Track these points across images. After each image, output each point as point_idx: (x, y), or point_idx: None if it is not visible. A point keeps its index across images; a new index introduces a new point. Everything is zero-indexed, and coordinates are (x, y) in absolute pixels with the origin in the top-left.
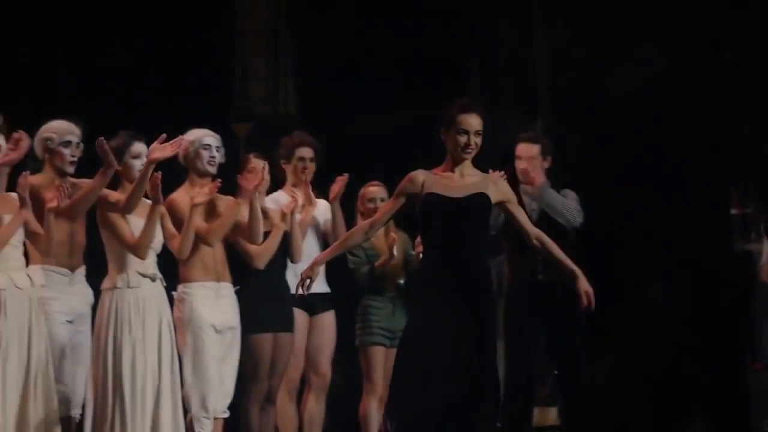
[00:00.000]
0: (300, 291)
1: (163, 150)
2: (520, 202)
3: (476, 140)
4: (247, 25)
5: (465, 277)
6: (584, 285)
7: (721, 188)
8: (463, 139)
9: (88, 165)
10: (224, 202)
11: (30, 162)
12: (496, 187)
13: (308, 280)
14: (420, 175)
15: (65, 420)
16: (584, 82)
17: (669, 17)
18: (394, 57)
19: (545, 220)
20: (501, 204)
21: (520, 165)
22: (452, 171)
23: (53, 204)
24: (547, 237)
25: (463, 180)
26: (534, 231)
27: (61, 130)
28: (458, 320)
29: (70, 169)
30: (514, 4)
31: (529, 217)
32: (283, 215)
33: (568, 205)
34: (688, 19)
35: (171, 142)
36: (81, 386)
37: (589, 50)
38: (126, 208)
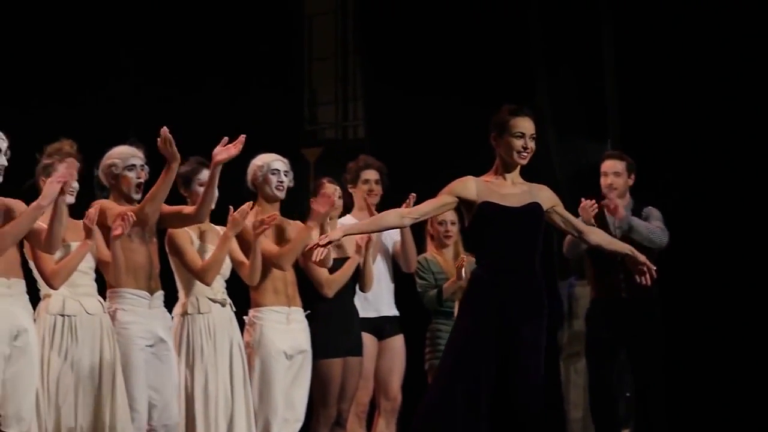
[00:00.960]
0: (316, 257)
1: (227, 151)
2: (603, 221)
3: (531, 144)
4: (315, 50)
5: (521, 290)
6: (642, 258)
7: None
8: (519, 142)
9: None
10: (293, 226)
11: (98, 191)
12: (544, 194)
13: (325, 250)
14: (472, 182)
15: None
16: (654, 104)
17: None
18: (462, 80)
19: (628, 240)
20: (550, 210)
21: (605, 181)
22: (503, 178)
23: (118, 232)
24: (599, 229)
25: (515, 188)
26: (586, 227)
27: (125, 155)
28: (511, 334)
29: (137, 194)
30: (583, 28)
31: (614, 236)
32: (358, 247)
33: (653, 229)
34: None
35: (233, 143)
36: (175, 412)
37: (658, 72)
38: (198, 217)
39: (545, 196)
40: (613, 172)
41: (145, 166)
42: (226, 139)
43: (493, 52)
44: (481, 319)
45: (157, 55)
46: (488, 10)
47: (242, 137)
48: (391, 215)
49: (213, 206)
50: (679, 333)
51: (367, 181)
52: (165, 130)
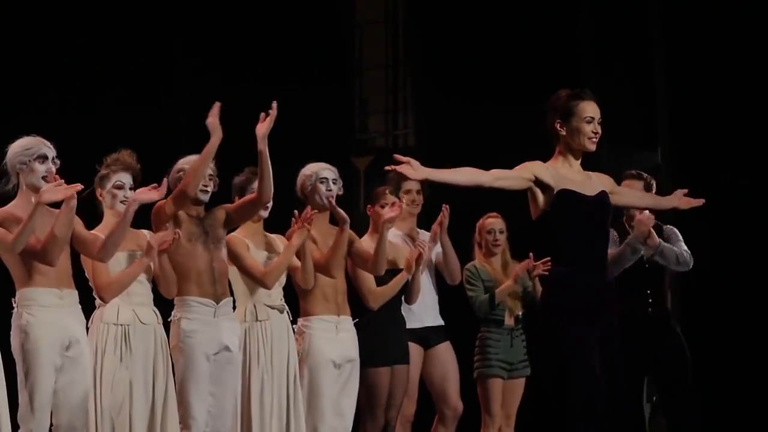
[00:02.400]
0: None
1: (266, 122)
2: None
3: (599, 128)
4: (366, 59)
5: (602, 281)
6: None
7: None
8: (589, 127)
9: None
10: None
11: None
12: (607, 182)
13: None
14: (545, 167)
15: None
16: (705, 112)
17: None
18: (512, 88)
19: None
20: (612, 192)
21: None
22: (570, 166)
23: (164, 247)
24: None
25: (582, 176)
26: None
27: (190, 161)
28: (607, 329)
29: (204, 198)
30: (634, 34)
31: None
32: (408, 263)
33: (681, 253)
34: None
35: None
36: (230, 418)
37: (710, 79)
38: (263, 198)
39: (608, 183)
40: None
41: (214, 176)
42: (263, 114)
43: (543, 60)
44: (583, 319)
45: (209, 62)
46: (538, 17)
47: (274, 104)
48: (486, 176)
49: (272, 185)
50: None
51: (408, 191)
52: (217, 105)
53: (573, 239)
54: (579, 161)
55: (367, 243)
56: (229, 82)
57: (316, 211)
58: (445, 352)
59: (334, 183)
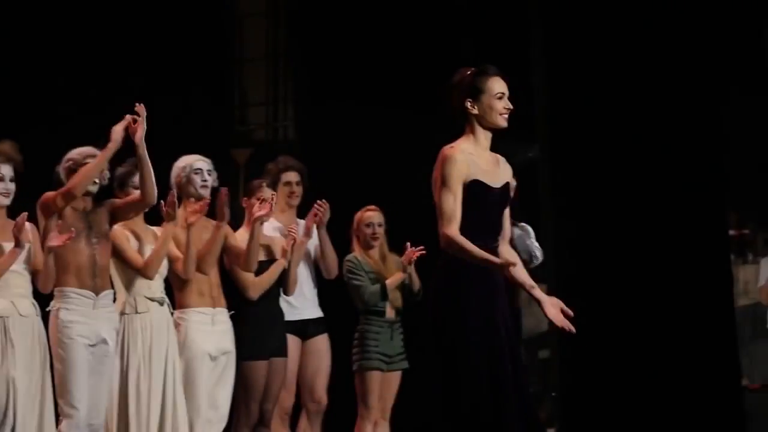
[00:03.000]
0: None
1: (138, 127)
2: None
3: (510, 104)
4: (246, 51)
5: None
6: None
7: (719, 211)
8: (501, 104)
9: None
10: (210, 223)
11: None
12: (509, 174)
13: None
14: (465, 158)
15: None
16: (582, 106)
17: (661, 45)
18: (390, 85)
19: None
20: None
21: None
22: (482, 148)
23: (53, 243)
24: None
25: (492, 160)
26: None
27: (84, 153)
28: (507, 323)
29: (94, 188)
30: (512, 34)
31: None
32: (284, 251)
33: (538, 246)
34: (688, 49)
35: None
36: (103, 412)
37: (587, 75)
38: (146, 198)
39: (510, 175)
40: None
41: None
42: (131, 117)
43: (422, 59)
44: (489, 308)
45: (88, 57)
46: (417, 16)
47: (140, 107)
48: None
49: (154, 185)
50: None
51: (288, 183)
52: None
53: (475, 225)
54: (489, 141)
55: (242, 236)
56: (108, 73)
57: (189, 206)
58: (321, 346)
59: (209, 174)
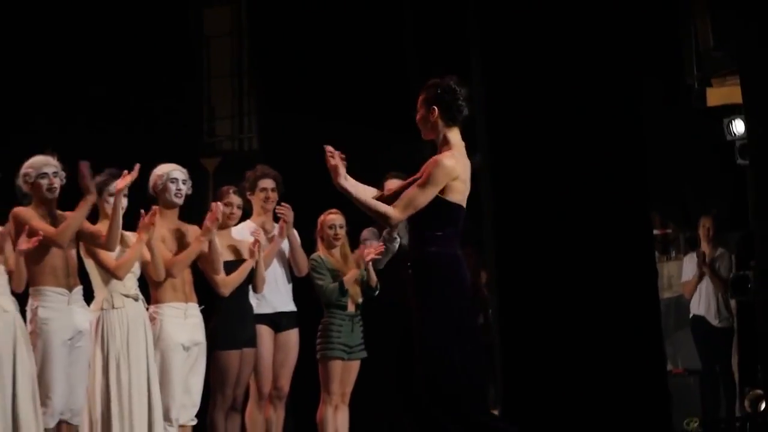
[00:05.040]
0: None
1: (124, 180)
2: None
3: None
4: (213, 69)
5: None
6: None
7: (643, 211)
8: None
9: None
10: (192, 231)
11: (21, 198)
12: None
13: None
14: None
15: (68, 425)
16: (520, 117)
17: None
18: (344, 99)
19: None
20: None
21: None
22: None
23: (23, 247)
24: None
25: None
26: None
27: (37, 164)
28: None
29: (51, 196)
30: (453, 48)
31: None
32: (251, 252)
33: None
34: (607, 46)
35: (131, 172)
36: (81, 397)
37: (528, 86)
38: (108, 246)
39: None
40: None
41: (59, 173)
42: (125, 172)
43: (373, 76)
44: (466, 295)
45: (68, 73)
46: (369, 39)
47: (137, 166)
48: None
49: (119, 233)
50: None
51: (264, 189)
52: (84, 165)
53: (455, 225)
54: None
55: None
56: (88, 90)
57: (164, 210)
58: (291, 340)
59: (183, 183)
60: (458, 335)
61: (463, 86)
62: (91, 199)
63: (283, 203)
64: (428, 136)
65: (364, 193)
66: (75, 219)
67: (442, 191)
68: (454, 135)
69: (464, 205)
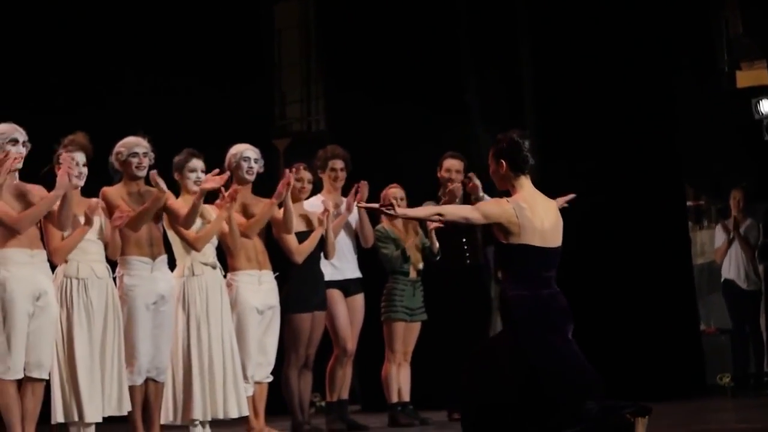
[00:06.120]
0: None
1: (213, 181)
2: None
3: None
4: (284, 58)
5: None
6: None
7: (678, 185)
8: None
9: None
10: (261, 203)
11: (113, 174)
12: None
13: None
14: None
15: (155, 382)
16: (565, 100)
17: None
18: (405, 84)
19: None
20: None
21: (448, 175)
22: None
23: (116, 223)
24: None
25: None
26: None
27: (129, 144)
28: None
29: (140, 174)
30: (504, 37)
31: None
32: (321, 221)
33: None
34: (645, 36)
35: (220, 176)
36: (165, 357)
37: (570, 72)
38: (186, 224)
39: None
40: (455, 169)
41: (149, 153)
42: (216, 171)
43: (429, 61)
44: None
45: (156, 65)
46: (425, 27)
47: (226, 175)
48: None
49: (196, 217)
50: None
51: (334, 170)
52: (153, 173)
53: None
54: None
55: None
56: (174, 79)
57: (240, 187)
58: (357, 303)
59: (255, 162)
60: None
61: (525, 138)
62: (162, 198)
63: (362, 181)
64: (502, 187)
65: (420, 210)
66: (144, 215)
67: (507, 236)
68: (524, 183)
69: (539, 244)
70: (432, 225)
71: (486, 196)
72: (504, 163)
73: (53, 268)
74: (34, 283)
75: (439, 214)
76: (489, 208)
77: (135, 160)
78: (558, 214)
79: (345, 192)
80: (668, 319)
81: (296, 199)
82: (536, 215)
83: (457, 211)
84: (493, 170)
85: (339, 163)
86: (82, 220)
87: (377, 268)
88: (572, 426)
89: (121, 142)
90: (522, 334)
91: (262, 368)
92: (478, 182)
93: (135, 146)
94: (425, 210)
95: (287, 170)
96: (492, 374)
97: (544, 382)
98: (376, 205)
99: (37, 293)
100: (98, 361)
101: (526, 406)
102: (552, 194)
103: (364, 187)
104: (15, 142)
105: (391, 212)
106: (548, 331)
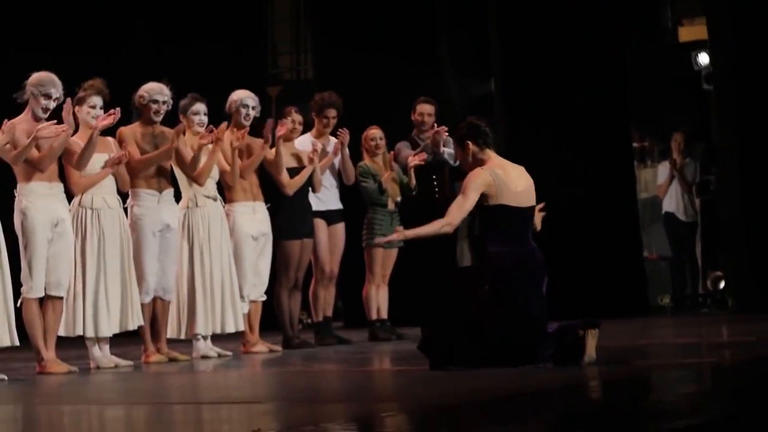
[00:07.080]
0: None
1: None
2: None
3: None
4: (276, 13)
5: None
6: None
7: (625, 128)
8: None
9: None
10: (258, 144)
11: (134, 112)
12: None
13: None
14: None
15: (162, 300)
16: (529, 53)
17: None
18: (383, 38)
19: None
20: None
21: (421, 118)
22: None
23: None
24: None
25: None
26: None
27: (152, 90)
28: None
29: (156, 119)
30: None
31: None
32: (310, 159)
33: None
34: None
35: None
36: (171, 279)
37: (534, 27)
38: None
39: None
40: (427, 113)
41: (168, 101)
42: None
43: (406, 19)
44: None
45: (163, 20)
46: None
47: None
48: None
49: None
50: None
51: (326, 117)
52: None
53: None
54: None
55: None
56: (173, 32)
57: (225, 125)
58: (338, 231)
59: (252, 108)
60: None
61: (481, 120)
62: (171, 150)
63: (342, 128)
64: (474, 167)
65: (429, 227)
66: (153, 160)
67: (486, 199)
68: (491, 154)
69: (515, 204)
70: (412, 163)
71: (446, 150)
72: (469, 143)
73: (70, 199)
74: (53, 212)
75: (448, 224)
76: (472, 184)
77: (155, 106)
78: (529, 177)
79: (332, 132)
80: (615, 247)
81: (287, 139)
82: (510, 179)
83: (458, 211)
84: (461, 156)
85: (332, 112)
86: (102, 157)
87: (360, 200)
88: (533, 360)
89: (145, 86)
90: (501, 286)
91: (257, 288)
92: (444, 135)
93: (157, 93)
94: (434, 226)
95: (281, 120)
96: (458, 303)
97: (509, 322)
98: (394, 237)
99: (55, 221)
100: (111, 281)
101: (483, 335)
102: (517, 139)
103: (345, 134)
104: (48, 97)
105: (402, 237)
106: (524, 285)
